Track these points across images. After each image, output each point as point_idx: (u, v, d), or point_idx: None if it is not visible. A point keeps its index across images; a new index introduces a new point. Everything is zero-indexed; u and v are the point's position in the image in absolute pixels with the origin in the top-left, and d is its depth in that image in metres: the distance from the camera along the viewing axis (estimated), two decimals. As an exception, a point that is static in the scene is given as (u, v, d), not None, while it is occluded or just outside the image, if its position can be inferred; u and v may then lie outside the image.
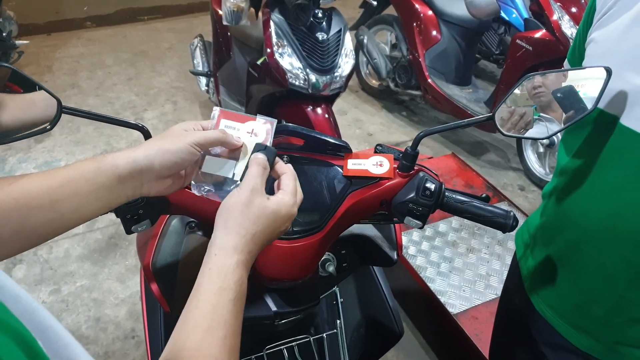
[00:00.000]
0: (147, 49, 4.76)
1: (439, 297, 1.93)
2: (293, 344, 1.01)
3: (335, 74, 2.21)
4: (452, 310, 1.88)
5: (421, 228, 0.84)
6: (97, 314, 2.22)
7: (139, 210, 0.76)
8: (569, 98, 0.78)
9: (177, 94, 3.99)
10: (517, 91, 0.77)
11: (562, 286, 0.93)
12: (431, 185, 0.80)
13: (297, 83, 2.16)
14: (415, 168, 0.82)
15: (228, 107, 2.83)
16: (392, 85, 3.76)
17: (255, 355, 1.00)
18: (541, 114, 0.81)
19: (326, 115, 2.27)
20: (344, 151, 0.85)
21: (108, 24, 5.23)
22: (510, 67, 2.96)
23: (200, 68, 3.24)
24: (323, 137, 0.82)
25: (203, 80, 3.29)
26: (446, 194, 0.82)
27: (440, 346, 2.05)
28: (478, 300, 1.93)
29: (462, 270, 2.07)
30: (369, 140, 3.55)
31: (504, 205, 2.40)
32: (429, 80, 3.38)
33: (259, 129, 0.69)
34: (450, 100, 3.28)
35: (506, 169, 3.23)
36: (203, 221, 0.82)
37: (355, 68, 4.09)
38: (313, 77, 2.16)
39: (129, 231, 0.77)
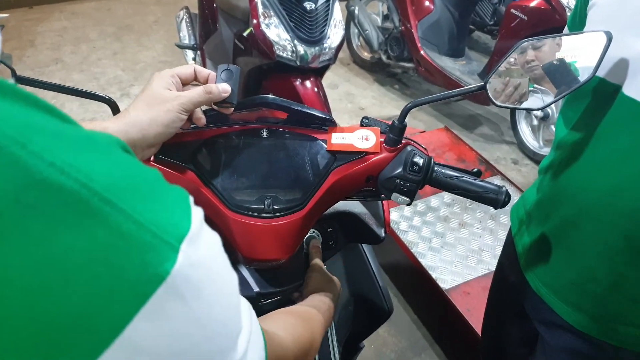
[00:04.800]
0: (133, 22, 4.62)
1: (430, 272, 1.92)
2: None
3: (325, 45, 2.14)
4: (444, 285, 1.87)
5: (409, 204, 0.80)
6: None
7: None
8: (559, 72, 0.73)
9: (164, 68, 3.85)
10: (510, 59, 0.72)
11: (559, 263, 0.91)
12: (419, 160, 0.76)
13: (284, 55, 2.08)
14: (403, 142, 0.78)
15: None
16: (384, 57, 3.68)
17: None
18: (535, 86, 0.76)
19: (315, 89, 2.20)
20: (328, 124, 0.80)
21: (92, -4, 5.06)
22: (505, 37, 2.90)
23: (186, 41, 3.14)
24: (305, 110, 0.77)
25: (190, 53, 3.19)
26: (435, 168, 0.78)
27: (431, 321, 2.04)
28: (470, 275, 1.91)
29: (454, 245, 2.04)
30: (361, 114, 3.49)
31: (497, 180, 2.37)
32: (422, 52, 3.30)
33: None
34: (443, 73, 3.21)
35: (499, 142, 3.19)
36: None
37: (347, 40, 4.02)
38: (301, 49, 2.09)
39: None
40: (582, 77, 0.70)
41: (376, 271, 1.15)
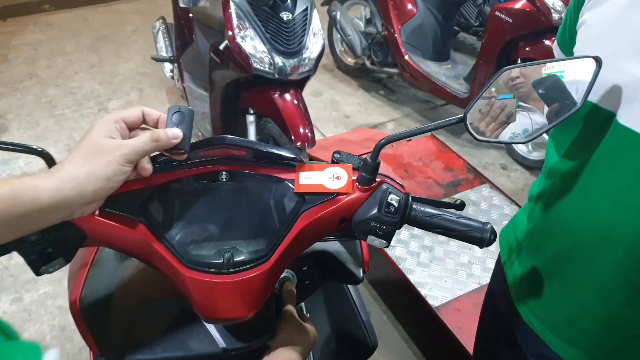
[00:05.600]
0: (110, 33, 4.52)
1: (419, 289, 1.85)
2: None
3: (304, 56, 2.07)
4: (433, 302, 1.80)
5: (386, 247, 0.72)
6: (62, 323, 2.09)
7: (46, 249, 0.63)
8: (552, 90, 0.66)
9: (143, 81, 3.80)
10: (492, 88, 0.65)
11: (552, 298, 0.85)
12: (395, 199, 0.69)
13: (262, 68, 2.01)
14: (377, 180, 0.71)
15: (193, 94, 2.66)
16: (368, 63, 3.62)
17: None
18: (521, 104, 0.69)
19: (295, 102, 2.13)
20: (295, 162, 0.72)
21: (68, 6, 4.93)
22: (490, 40, 2.84)
23: (163, 53, 3.06)
24: (269, 150, 0.69)
25: (167, 65, 3.11)
26: (413, 206, 0.71)
27: (422, 339, 1.98)
28: (460, 290, 1.85)
29: (443, 259, 1.98)
30: (346, 122, 3.42)
31: (485, 189, 2.31)
32: (406, 57, 3.24)
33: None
34: (428, 78, 3.15)
35: (487, 147, 3.13)
36: (126, 252, 0.70)
37: (330, 45, 3.95)
38: (279, 61, 2.02)
39: (37, 272, 0.64)
40: (578, 99, 0.63)
41: (359, 305, 1.08)
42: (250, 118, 2.24)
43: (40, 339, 2.03)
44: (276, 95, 2.11)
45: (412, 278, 1.89)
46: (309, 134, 2.06)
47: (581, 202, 0.74)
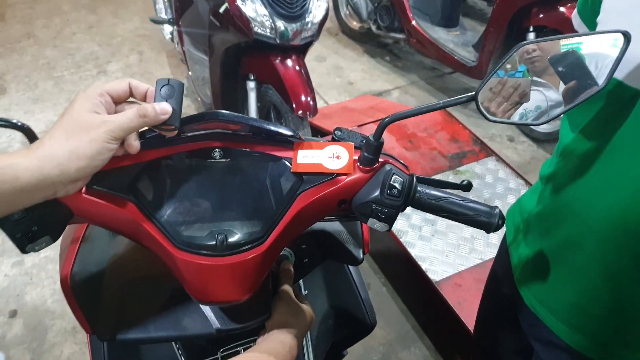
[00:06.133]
0: (109, -9, 4.39)
1: (420, 263, 1.83)
2: (251, 344, 0.90)
3: (307, 21, 1.98)
4: (434, 277, 1.78)
5: (388, 231, 0.69)
6: (62, 288, 2.10)
7: (32, 227, 0.60)
8: (571, 68, 0.61)
9: (142, 43, 3.70)
10: (507, 65, 0.60)
11: (557, 283, 0.82)
12: (399, 182, 0.65)
13: (263, 32, 1.93)
14: (380, 160, 0.66)
15: (192, 58, 2.59)
16: (373, 27, 3.50)
17: (210, 359, 0.89)
18: (535, 79, 0.64)
19: (297, 68, 2.06)
20: (293, 139, 0.68)
21: (65, -37, 4.78)
22: (501, 6, 2.73)
23: (163, 14, 2.96)
24: (265, 126, 0.65)
25: (167, 28, 3.02)
26: (418, 188, 0.67)
27: (421, 313, 1.97)
28: (461, 265, 1.83)
29: (445, 233, 1.95)
30: (350, 89, 3.34)
31: (491, 161, 2.26)
32: (413, 22, 3.13)
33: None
34: (435, 45, 3.05)
35: (494, 117, 3.07)
36: (116, 231, 0.67)
37: (334, 8, 3.82)
38: (281, 25, 1.94)
39: (23, 251, 0.62)
40: (599, 78, 0.58)
41: (358, 283, 1.05)
42: (251, 84, 2.18)
43: (41, 303, 2.04)
44: (277, 61, 2.04)
45: (413, 252, 1.87)
46: (311, 102, 2.01)
47: (597, 185, 0.70)
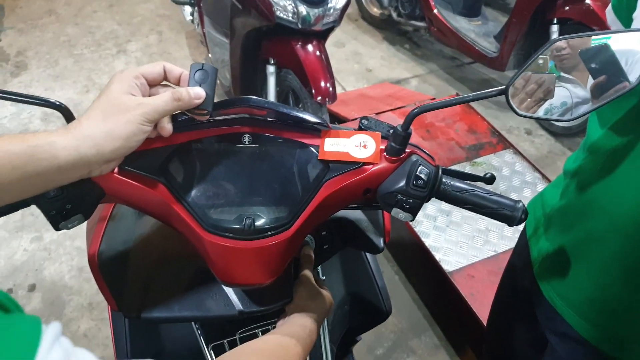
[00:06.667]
0: (130, -30, 4.38)
1: (434, 253, 1.84)
2: (269, 326, 0.92)
3: (329, 6, 1.97)
4: (447, 267, 1.79)
5: (411, 221, 0.70)
6: (80, 264, 2.14)
7: (66, 205, 0.61)
8: (602, 63, 0.60)
9: (162, 23, 3.70)
10: (539, 60, 0.60)
11: (578, 278, 0.82)
12: (425, 173, 0.65)
13: (285, 17, 1.93)
14: (406, 151, 0.67)
15: (213, 41, 2.59)
16: (394, 15, 3.47)
17: (228, 340, 0.91)
18: (563, 75, 0.64)
19: (318, 53, 2.05)
20: (321, 127, 0.69)
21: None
22: (524, -4, 2.68)
23: (184, -5, 2.95)
24: (294, 113, 0.66)
25: (188, 9, 3.02)
26: (443, 180, 0.67)
27: (432, 302, 1.98)
28: (475, 257, 1.83)
29: (460, 224, 1.95)
30: (368, 76, 3.32)
31: (508, 154, 2.25)
32: (435, 10, 3.09)
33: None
34: (456, 34, 3.02)
35: (513, 109, 3.03)
36: (145, 211, 0.69)
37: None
38: (303, 10, 1.93)
39: (56, 228, 0.64)
40: (630, 75, 0.58)
41: (375, 270, 1.07)
42: (271, 69, 2.18)
43: (59, 279, 2.09)
44: (298, 46, 2.04)
45: (427, 242, 1.88)
46: (331, 89, 2.00)
47: (624, 183, 0.70)
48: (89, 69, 3.19)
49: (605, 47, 0.60)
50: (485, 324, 1.52)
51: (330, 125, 0.68)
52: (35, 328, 0.32)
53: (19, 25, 3.60)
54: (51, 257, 2.17)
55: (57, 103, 0.61)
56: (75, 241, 2.23)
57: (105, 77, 3.11)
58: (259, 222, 0.65)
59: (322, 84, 1.99)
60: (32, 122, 2.83)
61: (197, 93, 0.59)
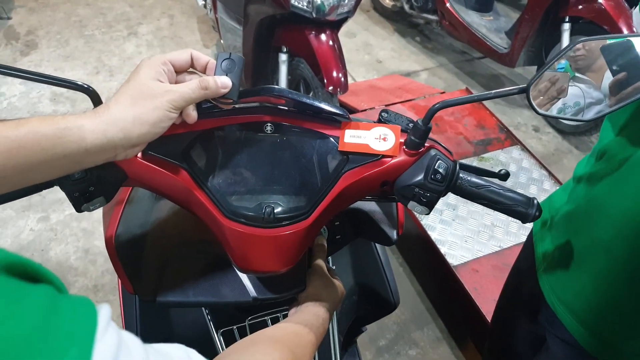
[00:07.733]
0: (142, -48, 4.36)
1: (439, 246, 1.85)
2: (278, 314, 0.93)
3: (344, -4, 1.97)
4: (452, 261, 1.80)
5: (427, 214, 0.71)
6: (86, 245, 2.16)
7: (89, 188, 0.62)
8: (623, 60, 0.60)
9: (174, 7, 3.69)
10: (562, 60, 0.60)
11: (580, 285, 0.82)
12: (443, 167, 0.66)
13: (299, 5, 1.92)
14: (425, 145, 0.68)
15: (225, 27, 2.58)
16: (406, 7, 3.45)
17: (237, 326, 0.92)
18: (578, 76, 0.64)
19: (331, 43, 2.05)
20: (341, 119, 0.69)
21: None
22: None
23: (196, -21, 2.95)
24: (316, 104, 0.66)
25: (200, -6, 3.01)
26: (460, 175, 0.68)
27: (436, 295, 2.00)
28: (480, 252, 1.84)
29: (466, 219, 1.96)
30: (378, 68, 3.31)
31: (516, 150, 2.25)
32: (447, 4, 3.07)
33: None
34: (468, 28, 3.00)
35: (521, 106, 3.03)
36: (166, 196, 0.70)
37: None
38: (318, -1, 1.93)
39: (79, 209, 0.65)
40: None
41: (384, 262, 1.08)
42: (283, 57, 2.18)
43: (65, 260, 2.11)
44: (312, 35, 2.03)
45: (433, 235, 1.89)
46: (342, 79, 2.00)
47: (633, 192, 0.70)
48: (99, 50, 3.19)
49: (629, 46, 0.60)
50: (488, 319, 1.54)
51: (351, 117, 0.69)
52: (91, 310, 0.33)
53: (30, 4, 3.60)
54: (57, 238, 2.19)
55: (86, 86, 0.62)
56: (81, 222, 2.25)
57: (116, 59, 3.11)
58: (278, 211, 0.66)
59: (335, 73, 1.99)
60: (41, 102, 2.83)
61: (224, 82, 0.59)
